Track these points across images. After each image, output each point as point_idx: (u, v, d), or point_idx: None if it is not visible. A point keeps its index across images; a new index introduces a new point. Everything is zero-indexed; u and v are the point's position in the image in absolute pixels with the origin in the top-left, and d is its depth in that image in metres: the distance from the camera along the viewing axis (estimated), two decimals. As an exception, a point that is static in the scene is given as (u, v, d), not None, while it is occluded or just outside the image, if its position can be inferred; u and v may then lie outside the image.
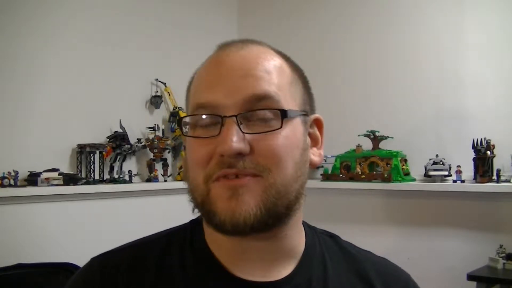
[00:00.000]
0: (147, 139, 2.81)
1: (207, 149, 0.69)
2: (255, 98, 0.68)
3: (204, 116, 0.70)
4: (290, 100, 0.72)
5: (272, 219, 0.69)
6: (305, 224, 0.81)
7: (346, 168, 2.93)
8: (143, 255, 0.77)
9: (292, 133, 0.71)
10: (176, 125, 2.91)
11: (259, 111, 0.69)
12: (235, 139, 0.66)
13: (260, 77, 0.70)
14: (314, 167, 0.78)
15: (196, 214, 0.77)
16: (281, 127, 0.69)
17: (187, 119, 0.72)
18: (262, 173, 0.68)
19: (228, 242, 0.73)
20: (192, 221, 0.81)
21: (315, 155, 0.77)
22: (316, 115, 0.79)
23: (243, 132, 0.67)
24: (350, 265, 0.80)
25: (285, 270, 0.75)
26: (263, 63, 0.71)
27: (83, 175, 2.51)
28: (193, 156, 0.71)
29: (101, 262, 0.78)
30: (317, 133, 0.78)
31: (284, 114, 0.69)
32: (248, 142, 0.68)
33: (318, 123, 0.79)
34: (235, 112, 0.68)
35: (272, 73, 0.71)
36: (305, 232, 0.80)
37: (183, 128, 0.72)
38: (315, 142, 0.78)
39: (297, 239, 0.77)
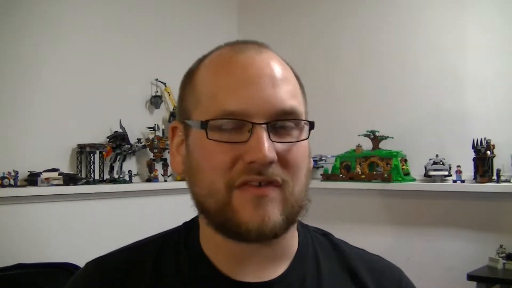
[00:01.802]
0: (147, 139, 2.82)
1: (232, 154, 0.68)
2: (284, 113, 0.70)
3: (233, 121, 0.68)
4: (303, 110, 0.74)
5: (288, 226, 0.71)
6: (298, 223, 0.81)
7: (346, 168, 2.93)
8: (138, 258, 0.78)
9: (307, 143, 0.74)
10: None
11: (287, 121, 0.70)
12: (268, 147, 0.67)
13: (285, 89, 0.71)
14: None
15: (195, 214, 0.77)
16: (308, 137, 0.72)
17: (211, 122, 0.69)
18: (283, 182, 0.69)
19: (227, 246, 0.73)
20: (185, 223, 0.82)
21: (310, 162, 0.79)
22: None
23: (272, 141, 0.68)
24: (342, 262, 0.81)
25: (279, 269, 0.75)
26: (284, 71, 0.73)
27: (83, 175, 2.51)
28: (214, 161, 0.69)
29: (96, 266, 0.79)
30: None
31: (312, 126, 0.72)
32: (275, 151, 0.68)
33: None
34: (264, 120, 0.68)
35: (291, 83, 0.73)
36: (298, 231, 0.81)
37: (208, 132, 0.69)
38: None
39: (292, 240, 0.78)
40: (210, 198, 0.70)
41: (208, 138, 0.68)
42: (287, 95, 0.70)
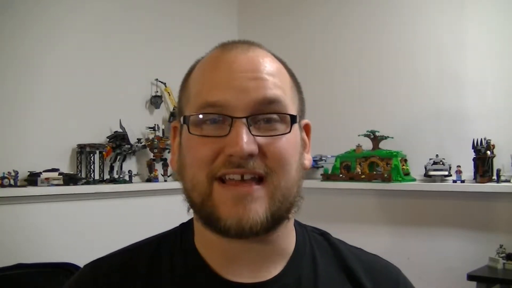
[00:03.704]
0: (147, 139, 2.82)
1: (213, 147, 0.69)
2: (265, 102, 0.70)
3: (213, 115, 0.70)
4: (291, 105, 0.74)
5: (274, 224, 0.70)
6: (296, 223, 0.81)
7: (346, 168, 2.93)
8: (134, 260, 0.78)
9: (294, 137, 0.73)
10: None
11: (268, 114, 0.70)
12: (247, 140, 0.67)
13: (268, 80, 0.71)
14: (305, 171, 0.79)
15: (190, 215, 0.77)
16: (290, 131, 0.71)
17: (192, 117, 0.71)
18: (268, 176, 0.69)
19: (219, 245, 0.73)
20: (182, 224, 0.82)
21: (306, 159, 0.78)
22: (306, 120, 0.80)
23: (253, 135, 0.68)
24: (339, 262, 0.81)
25: (274, 270, 0.75)
26: (270, 66, 0.73)
27: (83, 175, 2.51)
28: (196, 154, 0.70)
29: (92, 268, 0.79)
30: (306, 137, 0.80)
31: (293, 120, 0.71)
32: (256, 144, 0.68)
33: (307, 128, 0.81)
34: (244, 113, 0.68)
35: (277, 77, 0.73)
36: (296, 231, 0.80)
37: (189, 126, 0.71)
38: (304, 146, 0.79)
39: (287, 239, 0.78)
40: (194, 192, 0.71)
41: (189, 132, 0.71)
42: (270, 85, 0.71)
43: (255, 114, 0.69)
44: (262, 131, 0.69)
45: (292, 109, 0.73)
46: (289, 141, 0.71)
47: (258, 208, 0.68)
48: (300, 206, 0.75)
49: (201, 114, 0.70)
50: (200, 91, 0.72)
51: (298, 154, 0.74)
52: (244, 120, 0.68)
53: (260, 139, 0.69)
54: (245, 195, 0.68)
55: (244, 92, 0.69)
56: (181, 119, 0.73)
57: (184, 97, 0.76)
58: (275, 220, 0.70)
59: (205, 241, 0.75)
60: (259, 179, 0.69)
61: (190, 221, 0.80)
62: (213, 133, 0.69)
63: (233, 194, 0.68)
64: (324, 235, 0.85)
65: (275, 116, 0.70)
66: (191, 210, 0.75)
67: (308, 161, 0.78)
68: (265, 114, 0.70)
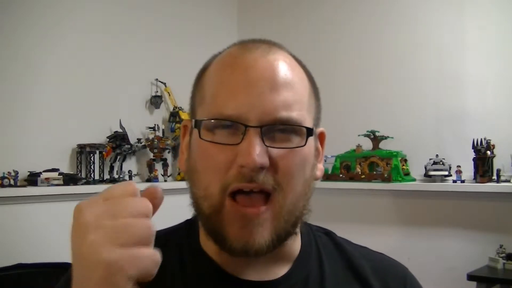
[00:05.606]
0: (147, 139, 2.82)
1: (226, 156, 0.67)
2: (280, 122, 0.68)
3: (226, 122, 0.67)
4: (307, 116, 0.71)
5: (280, 242, 0.70)
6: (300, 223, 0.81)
7: (346, 168, 2.93)
8: None
9: (308, 150, 0.71)
10: (175, 124, 2.91)
11: (283, 125, 0.68)
12: (259, 152, 0.65)
13: (285, 94, 0.68)
14: (316, 181, 0.78)
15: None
16: (305, 144, 0.69)
17: (205, 122, 0.69)
18: (274, 191, 0.67)
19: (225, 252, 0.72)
20: (187, 221, 0.81)
21: (318, 169, 0.76)
22: (321, 129, 0.78)
23: (266, 146, 0.66)
24: (345, 261, 0.81)
25: (282, 270, 0.75)
26: (289, 73, 0.70)
27: (83, 175, 2.51)
28: (209, 162, 0.68)
29: None
30: (320, 146, 0.78)
31: (310, 133, 0.69)
32: (268, 156, 0.66)
33: (321, 136, 0.78)
34: (258, 123, 0.66)
35: (296, 87, 0.70)
36: (301, 232, 0.80)
37: (200, 131, 0.69)
38: (317, 156, 0.77)
39: (294, 243, 0.77)
40: (204, 201, 0.69)
41: (200, 137, 0.69)
42: (285, 103, 0.68)
43: (270, 124, 0.67)
44: (276, 142, 0.67)
45: (309, 121, 0.71)
46: (302, 155, 0.69)
47: (263, 231, 0.67)
48: (307, 219, 0.74)
49: (214, 119, 0.68)
50: (215, 96, 0.70)
51: (310, 167, 0.72)
52: (258, 129, 0.66)
53: (273, 151, 0.67)
54: (252, 218, 0.67)
55: (259, 107, 0.67)
56: (193, 122, 0.71)
57: (198, 95, 0.74)
58: (281, 239, 0.70)
59: (211, 244, 0.74)
60: (266, 194, 0.68)
61: (196, 219, 0.78)
62: (225, 140, 0.67)
63: (242, 215, 0.67)
64: (329, 234, 0.85)
65: (290, 128, 0.68)
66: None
67: (320, 171, 0.77)
68: (281, 124, 0.68)
